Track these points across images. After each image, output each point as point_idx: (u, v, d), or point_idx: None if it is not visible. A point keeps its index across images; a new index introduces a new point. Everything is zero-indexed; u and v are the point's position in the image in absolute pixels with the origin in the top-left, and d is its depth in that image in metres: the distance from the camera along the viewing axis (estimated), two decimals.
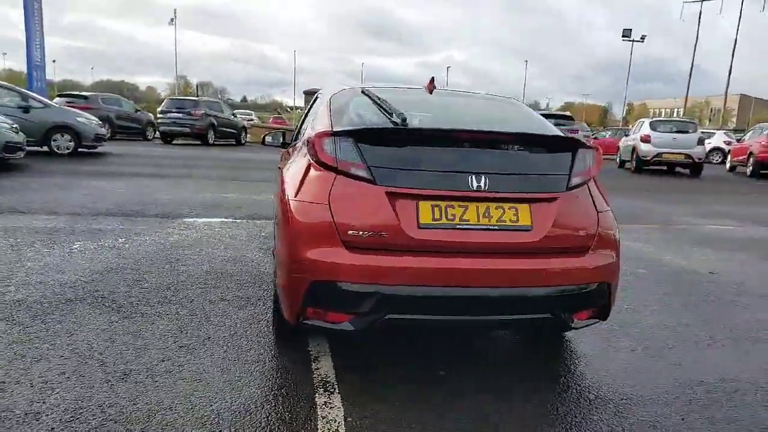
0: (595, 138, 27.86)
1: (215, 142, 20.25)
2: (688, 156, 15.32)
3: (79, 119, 11.98)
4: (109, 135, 19.12)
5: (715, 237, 6.58)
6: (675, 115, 56.40)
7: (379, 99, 2.61)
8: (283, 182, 2.61)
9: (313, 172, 2.39)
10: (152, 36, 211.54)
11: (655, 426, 2.22)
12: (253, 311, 3.21)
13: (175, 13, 52.64)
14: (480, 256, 2.28)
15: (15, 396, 2.15)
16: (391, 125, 2.44)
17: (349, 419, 2.12)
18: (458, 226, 2.26)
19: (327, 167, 2.33)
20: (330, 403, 2.24)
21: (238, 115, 23.18)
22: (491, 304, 2.31)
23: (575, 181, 2.47)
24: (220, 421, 2.05)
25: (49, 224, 5.22)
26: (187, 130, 19.07)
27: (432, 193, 2.26)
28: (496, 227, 2.29)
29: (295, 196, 2.36)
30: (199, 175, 10.07)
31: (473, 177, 2.29)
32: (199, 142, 19.81)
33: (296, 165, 2.60)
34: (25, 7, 21.59)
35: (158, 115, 19.96)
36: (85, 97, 19.26)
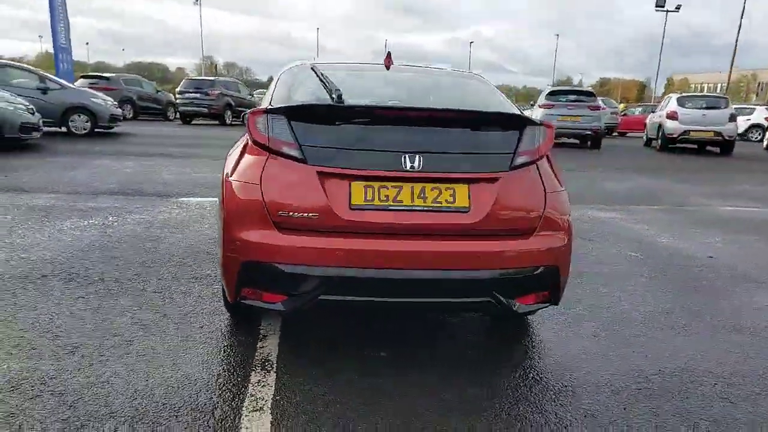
0: (625, 115, 27.05)
1: (233, 122, 20.45)
2: (717, 133, 14.69)
3: (94, 100, 12.23)
4: (131, 115, 19.58)
5: (727, 219, 6.32)
6: (719, 90, 54.11)
7: (322, 75, 2.56)
8: (225, 162, 2.60)
9: (248, 151, 2.38)
10: (181, 17, 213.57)
11: (593, 415, 2.16)
12: (218, 290, 3.25)
13: None
14: (413, 237, 2.24)
15: None
16: (332, 102, 2.39)
17: (277, 398, 2.14)
18: (391, 207, 2.22)
19: (260, 146, 2.30)
20: (264, 381, 2.26)
21: (255, 95, 23.30)
22: (425, 287, 2.27)
23: (521, 160, 2.38)
24: (151, 395, 2.10)
25: (49, 203, 5.38)
26: (205, 110, 19.29)
27: (364, 173, 2.22)
28: (431, 208, 2.24)
29: (231, 176, 2.36)
30: (208, 155, 10.19)
31: (407, 156, 2.23)
32: (216, 122, 20.02)
33: (239, 144, 2.59)
34: None
35: (177, 96, 20.22)
36: (107, 78, 19.63)
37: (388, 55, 3.12)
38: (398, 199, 2.23)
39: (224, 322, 2.83)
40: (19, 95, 10.21)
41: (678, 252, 4.74)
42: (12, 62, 13.52)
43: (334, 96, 2.39)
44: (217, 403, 2.08)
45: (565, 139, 16.06)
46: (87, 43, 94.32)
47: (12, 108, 8.86)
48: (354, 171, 2.21)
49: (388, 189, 2.23)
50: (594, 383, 2.40)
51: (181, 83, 21.22)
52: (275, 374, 2.32)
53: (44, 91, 11.51)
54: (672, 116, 14.94)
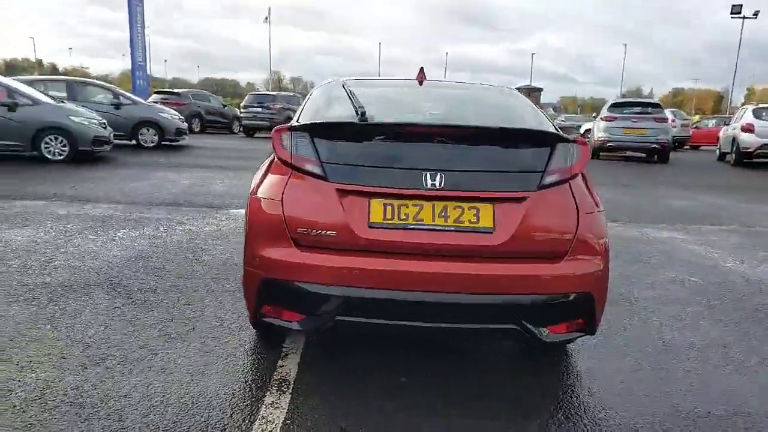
0: (697, 128, 25.56)
1: None
2: None
3: (162, 115, 12.92)
4: (199, 129, 20.55)
5: None
6: None
7: (351, 92, 2.53)
8: (253, 178, 2.62)
9: (273, 168, 2.41)
10: (252, 35, 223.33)
11: None
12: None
13: (269, 11, 55.01)
14: (434, 258, 2.16)
15: None
16: (355, 120, 2.36)
17: (288, 422, 2.09)
18: (410, 227, 2.15)
19: (284, 163, 2.31)
20: (277, 403, 2.22)
21: None
22: (445, 311, 2.18)
23: (551, 179, 2.25)
24: (164, 412, 2.11)
25: (107, 213, 5.67)
26: (267, 123, 19.93)
27: (384, 191, 2.17)
28: (452, 228, 2.16)
29: (255, 192, 2.37)
30: None
31: (428, 174, 2.16)
32: None
33: (267, 161, 2.61)
34: (129, 11, 23.66)
35: (241, 110, 21.04)
36: (178, 94, 20.75)
37: (421, 70, 3.07)
38: (419, 217, 2.16)
39: (249, 337, 2.83)
40: (95, 110, 10.98)
41: (743, 278, 4.34)
42: (92, 80, 14.68)
43: (358, 113, 2.36)
44: (227, 424, 2.06)
45: (630, 153, 15.35)
46: (165, 61, 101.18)
47: (86, 123, 9.50)
48: (373, 188, 2.17)
49: (408, 207, 2.17)
50: (631, 425, 2.20)
51: (245, 98, 22.09)
52: (290, 396, 2.28)
53: (117, 106, 12.28)
54: (748, 129, 13.90)
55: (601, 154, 15.24)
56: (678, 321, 3.37)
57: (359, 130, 2.31)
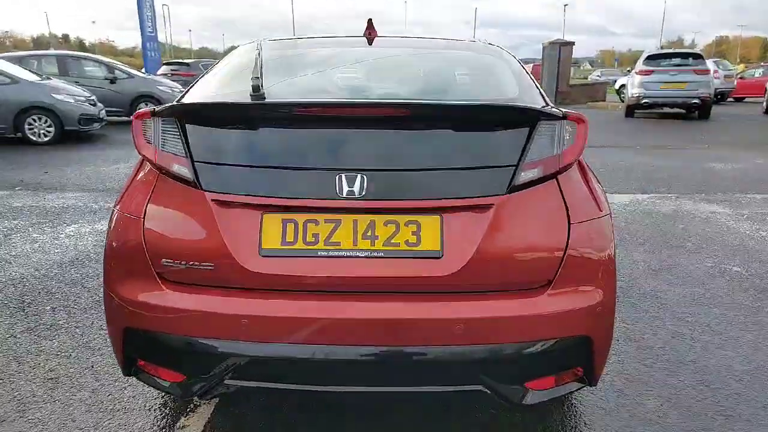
0: (742, 78, 23.62)
1: None
2: None
3: (160, 87, 12.28)
4: None
5: None
6: None
7: (259, 58, 1.82)
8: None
9: (140, 169, 1.75)
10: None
11: None
12: None
13: None
14: (357, 298, 1.50)
15: None
16: (243, 99, 1.68)
17: None
18: (321, 253, 1.48)
19: (150, 163, 1.65)
20: None
21: None
22: (374, 372, 1.55)
23: (528, 175, 1.53)
24: None
25: (68, 203, 5.14)
26: None
27: (281, 203, 1.50)
28: (382, 254, 1.48)
29: (117, 204, 1.72)
30: None
31: (343, 177, 1.48)
32: None
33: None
34: None
35: None
36: (187, 65, 20.13)
37: (369, 23, 2.31)
38: (333, 240, 1.49)
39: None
40: (89, 86, 10.47)
41: None
42: (86, 54, 14.13)
43: (252, 89, 1.67)
44: None
45: (668, 109, 14.09)
46: (190, 30, 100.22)
47: (72, 100, 8.96)
48: (266, 199, 1.51)
49: (318, 224, 1.50)
50: None
51: None
52: None
53: (112, 81, 11.69)
54: None
55: (636, 111, 14.02)
56: (716, 333, 2.64)
57: (247, 115, 1.63)
